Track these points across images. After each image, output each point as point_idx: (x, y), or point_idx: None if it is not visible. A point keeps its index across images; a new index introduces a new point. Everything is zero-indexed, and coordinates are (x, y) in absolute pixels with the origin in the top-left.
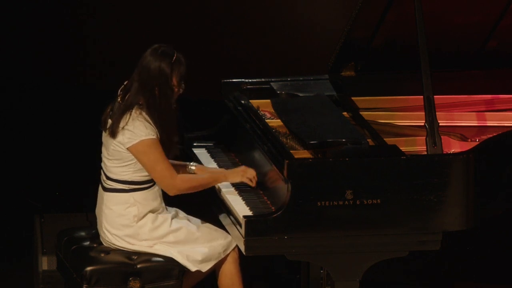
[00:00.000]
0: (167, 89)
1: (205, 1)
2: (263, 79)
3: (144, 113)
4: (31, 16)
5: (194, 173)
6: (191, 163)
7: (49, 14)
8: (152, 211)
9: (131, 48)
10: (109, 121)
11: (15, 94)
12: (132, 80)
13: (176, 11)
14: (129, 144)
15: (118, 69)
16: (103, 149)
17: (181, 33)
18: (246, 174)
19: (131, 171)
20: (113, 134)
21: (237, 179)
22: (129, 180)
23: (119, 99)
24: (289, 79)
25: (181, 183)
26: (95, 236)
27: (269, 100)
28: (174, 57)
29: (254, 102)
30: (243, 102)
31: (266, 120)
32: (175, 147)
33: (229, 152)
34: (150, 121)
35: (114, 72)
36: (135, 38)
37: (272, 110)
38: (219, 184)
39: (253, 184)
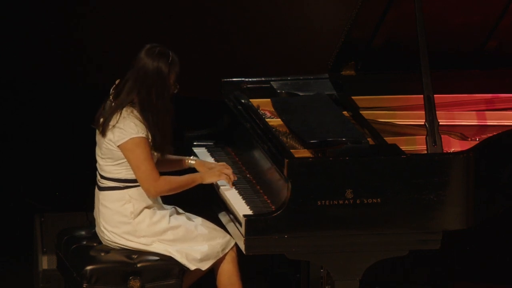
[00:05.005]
0: (164, 89)
1: (205, 1)
2: (263, 79)
3: (135, 111)
4: (31, 16)
5: (193, 167)
6: (191, 158)
7: (49, 14)
8: (148, 207)
9: (130, 48)
10: (101, 119)
11: (15, 94)
12: (126, 80)
13: (176, 11)
14: (119, 142)
15: (118, 69)
16: (97, 149)
17: (181, 33)
18: (222, 173)
19: (124, 169)
20: (104, 132)
21: (214, 179)
22: (123, 178)
23: (110, 98)
24: (289, 78)
25: (162, 185)
26: (95, 235)
27: (269, 99)
28: (171, 57)
29: (254, 101)
30: (243, 101)
31: (266, 119)
32: (169, 148)
33: (229, 151)
34: (141, 120)
35: (114, 72)
36: (135, 38)
37: (272, 109)
38: (218, 183)
39: (231, 181)
